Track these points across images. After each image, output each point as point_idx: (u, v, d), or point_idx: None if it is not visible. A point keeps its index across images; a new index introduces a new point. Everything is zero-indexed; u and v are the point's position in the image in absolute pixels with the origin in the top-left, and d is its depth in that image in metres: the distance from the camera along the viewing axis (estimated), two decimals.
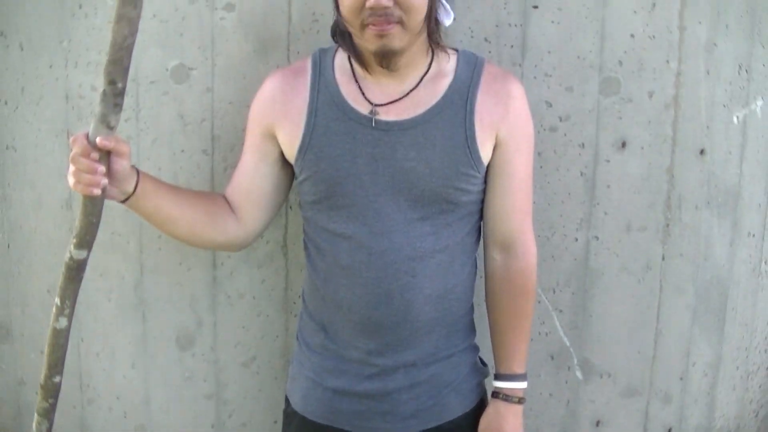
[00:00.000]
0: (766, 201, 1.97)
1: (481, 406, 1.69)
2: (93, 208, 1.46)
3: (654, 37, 1.87)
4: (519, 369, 1.66)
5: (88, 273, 1.88)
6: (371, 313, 1.54)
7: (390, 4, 1.39)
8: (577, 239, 1.93)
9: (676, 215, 1.93)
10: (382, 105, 1.55)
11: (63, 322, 1.50)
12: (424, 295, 1.55)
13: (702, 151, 1.92)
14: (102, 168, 1.42)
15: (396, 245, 1.53)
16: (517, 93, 1.59)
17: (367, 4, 1.40)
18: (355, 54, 1.55)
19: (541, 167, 1.87)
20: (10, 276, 2.03)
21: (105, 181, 1.44)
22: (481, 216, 1.65)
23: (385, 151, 1.52)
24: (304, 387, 1.68)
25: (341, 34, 1.55)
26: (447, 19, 1.57)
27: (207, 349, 2.02)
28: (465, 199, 1.56)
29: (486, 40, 1.85)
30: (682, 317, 1.98)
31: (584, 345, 2.00)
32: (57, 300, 1.50)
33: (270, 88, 1.64)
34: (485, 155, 1.56)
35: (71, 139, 1.43)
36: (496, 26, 1.85)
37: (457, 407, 1.65)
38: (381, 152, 1.52)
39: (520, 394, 1.65)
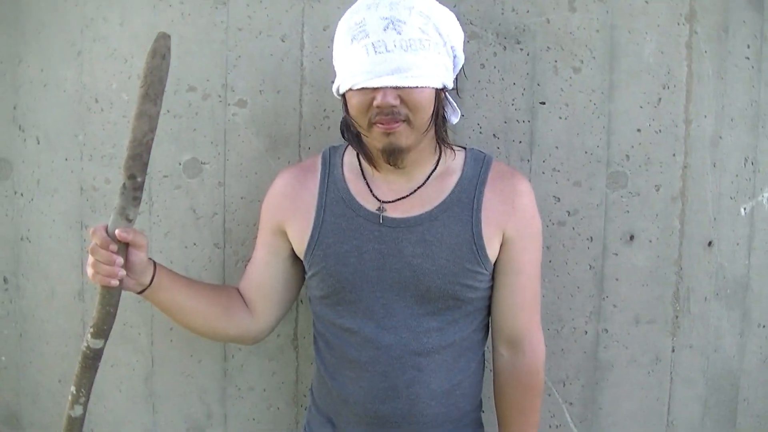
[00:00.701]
0: None
1: None
2: (110, 298, 1.49)
3: (660, 131, 1.91)
4: None
5: (99, 364, 1.92)
6: (378, 408, 1.56)
7: (397, 102, 1.43)
8: (586, 332, 1.95)
9: (684, 307, 1.95)
10: (389, 202, 1.59)
11: (78, 411, 1.51)
12: (430, 390, 1.56)
13: (710, 243, 1.95)
14: (120, 260, 1.46)
15: (402, 340, 1.55)
16: (523, 190, 1.62)
17: (375, 103, 1.44)
18: (363, 151, 1.58)
19: (550, 261, 1.90)
20: (22, 366, 2.06)
21: (123, 272, 1.48)
22: (488, 312, 1.66)
23: (392, 248, 1.55)
24: None
25: (350, 132, 1.59)
26: (454, 117, 1.61)
27: None
28: (472, 296, 1.58)
29: (494, 135, 1.89)
30: (693, 409, 1.99)
31: None
32: (72, 388, 1.51)
33: (280, 185, 1.68)
34: (492, 252, 1.58)
35: (90, 230, 1.47)
36: (505, 122, 1.89)
37: None
38: (388, 249, 1.55)
39: None
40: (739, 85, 1.94)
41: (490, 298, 1.64)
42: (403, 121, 1.46)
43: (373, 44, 1.42)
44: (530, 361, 1.64)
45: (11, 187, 1.99)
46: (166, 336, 1.98)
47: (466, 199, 1.58)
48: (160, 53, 1.44)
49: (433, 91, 1.48)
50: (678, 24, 1.90)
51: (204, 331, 1.70)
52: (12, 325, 2.05)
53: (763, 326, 1.99)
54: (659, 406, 1.98)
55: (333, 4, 1.87)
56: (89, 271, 1.47)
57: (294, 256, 1.69)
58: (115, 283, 1.46)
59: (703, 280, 1.95)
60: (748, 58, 1.95)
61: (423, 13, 1.46)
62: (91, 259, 1.46)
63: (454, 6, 1.86)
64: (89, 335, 1.49)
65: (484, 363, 1.71)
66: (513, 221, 1.58)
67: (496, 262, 1.60)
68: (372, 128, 1.48)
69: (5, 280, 2.03)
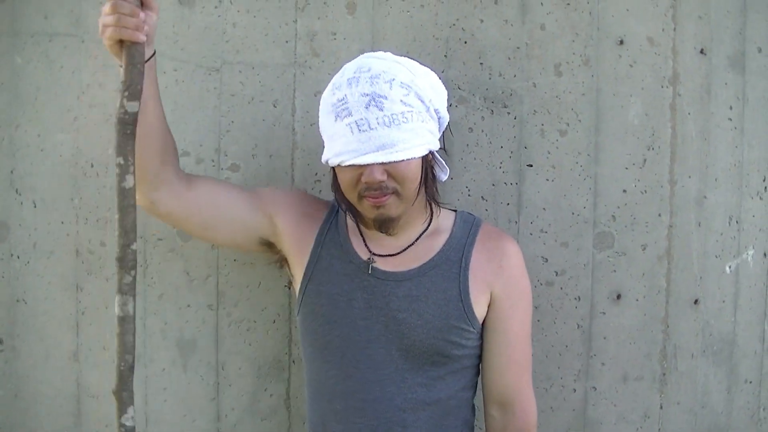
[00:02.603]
0: (761, 348, 2.05)
1: None
2: (138, 56, 1.44)
3: (646, 191, 1.99)
4: None
5: (93, 424, 1.99)
6: None
7: (384, 178, 1.50)
8: (575, 390, 2.01)
9: (672, 364, 2.02)
10: (380, 256, 1.65)
11: (130, 181, 1.44)
12: None
13: (696, 301, 2.02)
14: (142, 13, 1.43)
15: (387, 395, 1.60)
16: (511, 251, 1.68)
17: (362, 179, 1.51)
18: (355, 217, 1.67)
19: (538, 321, 1.97)
20: (16, 426, 2.10)
21: (146, 26, 1.45)
22: (478, 372, 1.70)
23: (379, 300, 1.61)
24: None
25: (342, 198, 1.65)
26: (443, 175, 1.67)
27: None
28: (458, 353, 1.62)
29: (482, 198, 1.97)
30: None
31: None
32: (119, 159, 1.43)
33: (302, 195, 1.78)
34: (479, 311, 1.63)
35: None
36: (493, 185, 1.97)
37: None
38: (376, 300, 1.61)
39: None
40: (723, 145, 2.03)
41: (480, 357, 1.69)
42: (392, 193, 1.53)
43: (356, 122, 1.49)
44: (521, 423, 1.67)
45: (8, 249, 2.06)
46: (160, 396, 2.04)
47: (455, 257, 1.64)
48: None
49: (420, 159, 1.55)
50: (662, 87, 1.99)
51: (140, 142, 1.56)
52: (7, 385, 2.10)
53: (750, 382, 2.05)
54: None
55: (324, 70, 1.96)
56: (111, 31, 1.41)
57: (261, 241, 1.74)
58: (142, 38, 1.42)
59: (689, 337, 2.02)
60: (730, 119, 2.04)
61: (404, 83, 1.51)
62: (111, 17, 1.41)
63: (442, 71, 1.94)
64: (125, 100, 1.41)
65: (473, 423, 1.75)
66: (500, 281, 1.64)
67: (484, 321, 1.65)
68: (362, 201, 1.55)
69: (1, 341, 2.09)
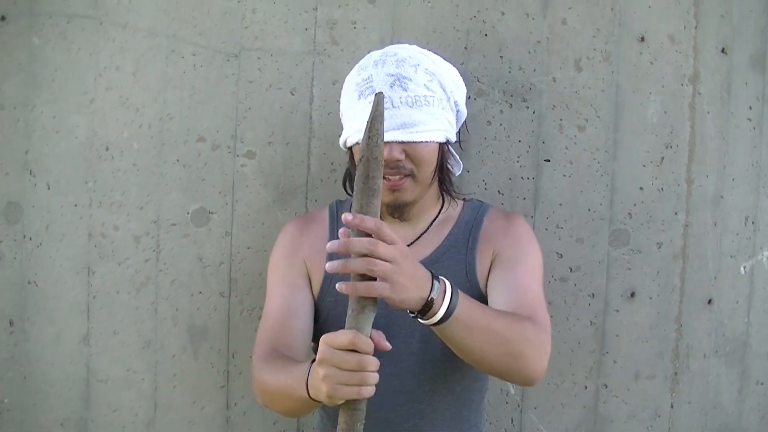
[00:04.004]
0: None
1: None
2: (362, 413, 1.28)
3: (662, 189, 2.00)
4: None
5: (102, 408, 2.01)
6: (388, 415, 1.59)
7: (402, 157, 1.52)
8: (586, 387, 2.03)
9: (684, 364, 2.04)
10: None
11: None
12: None
13: (710, 301, 2.04)
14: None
15: (407, 387, 1.61)
16: (517, 222, 1.67)
17: None
18: None
19: (552, 317, 1.95)
20: (25, 408, 2.13)
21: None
22: None
23: None
24: None
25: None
26: (457, 169, 1.70)
27: None
28: None
29: (499, 192, 1.99)
30: None
31: None
32: None
33: (293, 230, 1.74)
34: (484, 282, 1.62)
35: (358, 339, 1.24)
36: (509, 179, 1.99)
37: None
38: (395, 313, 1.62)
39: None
40: (741, 145, 2.04)
41: None
42: (407, 175, 1.55)
43: None
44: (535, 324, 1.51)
45: (20, 231, 2.08)
46: (170, 382, 2.06)
47: (462, 238, 1.65)
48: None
49: (437, 145, 1.57)
50: (682, 85, 2.00)
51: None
52: (16, 367, 2.13)
53: (762, 383, 2.07)
54: None
55: (342, 59, 1.98)
56: (343, 391, 1.23)
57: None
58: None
59: (702, 337, 2.04)
60: (749, 120, 2.05)
61: (428, 70, 1.56)
62: (340, 372, 1.23)
63: (462, 63, 1.96)
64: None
65: (484, 417, 1.77)
66: (504, 242, 1.62)
67: (487, 281, 1.62)
68: None
69: (11, 323, 2.11)
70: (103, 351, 2.07)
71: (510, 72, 1.97)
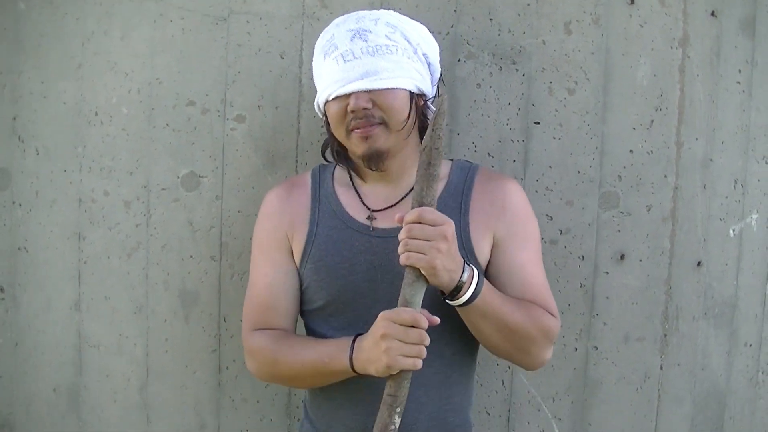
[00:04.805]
0: (762, 311, 2.10)
1: None
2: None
3: (652, 152, 2.02)
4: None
5: (94, 374, 2.04)
6: (367, 420, 1.58)
7: (369, 105, 1.54)
8: (576, 349, 2.06)
9: (673, 326, 2.07)
10: (379, 210, 1.67)
11: None
12: (419, 403, 1.64)
13: (699, 264, 2.06)
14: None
15: None
16: (513, 189, 1.68)
17: (348, 108, 1.56)
18: (349, 164, 1.70)
19: None
20: (16, 375, 2.15)
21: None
22: None
23: (383, 259, 1.62)
24: None
25: (337, 152, 1.71)
26: None
27: None
28: None
29: (489, 154, 2.01)
30: (680, 426, 2.09)
31: None
32: None
33: (274, 200, 1.75)
34: (482, 257, 1.63)
35: (413, 316, 1.43)
36: (499, 141, 2.00)
37: None
38: (379, 260, 1.63)
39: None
40: (730, 109, 2.06)
41: None
42: (379, 123, 1.57)
43: (342, 54, 1.56)
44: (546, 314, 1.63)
45: (9, 197, 2.10)
46: (162, 347, 2.08)
47: (453, 204, 1.65)
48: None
49: (407, 93, 1.58)
50: (671, 48, 2.02)
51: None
52: (7, 334, 2.15)
53: (750, 345, 2.10)
54: (647, 423, 2.09)
55: (332, 22, 1.99)
56: (404, 361, 1.43)
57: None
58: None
59: (691, 299, 2.06)
60: (739, 83, 2.07)
61: (390, 23, 1.60)
62: (402, 345, 1.42)
63: (452, 26, 1.97)
64: (395, 416, 1.44)
65: (474, 379, 1.78)
66: (503, 222, 1.65)
67: (489, 265, 1.65)
68: (350, 135, 1.59)
69: (1, 289, 2.13)
70: (95, 317, 2.10)
71: (499, 35, 1.99)
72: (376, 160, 1.60)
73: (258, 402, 2.10)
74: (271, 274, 1.71)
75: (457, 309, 1.53)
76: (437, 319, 1.45)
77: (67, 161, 2.06)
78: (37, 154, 2.07)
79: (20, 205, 2.09)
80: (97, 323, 2.10)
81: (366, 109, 1.55)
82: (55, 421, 2.16)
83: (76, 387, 2.13)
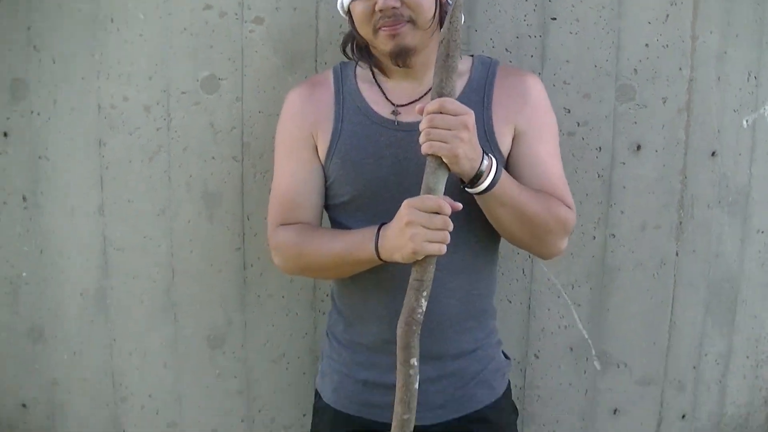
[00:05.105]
0: None
1: (505, 397, 1.85)
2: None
3: (667, 46, 2.05)
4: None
5: (120, 276, 2.09)
6: (398, 307, 1.58)
7: (398, 4, 1.56)
8: (594, 237, 2.12)
9: (688, 214, 2.13)
10: (403, 105, 1.70)
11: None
12: (448, 289, 1.69)
13: (713, 154, 2.11)
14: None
15: None
16: (532, 84, 1.72)
17: (377, 8, 1.57)
18: (373, 61, 1.72)
19: None
20: (43, 281, 2.20)
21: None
22: None
23: (408, 152, 1.65)
24: (335, 381, 1.82)
25: (358, 49, 1.73)
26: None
27: (237, 347, 2.20)
28: None
29: (507, 50, 2.03)
30: (694, 310, 2.18)
31: (602, 337, 2.19)
32: (413, 360, 1.50)
33: (297, 98, 1.78)
34: (504, 148, 1.68)
35: (437, 203, 1.45)
36: (517, 37, 2.03)
37: (483, 398, 1.79)
38: (404, 153, 1.66)
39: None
40: (745, 2, 2.09)
41: None
42: (407, 21, 1.59)
43: None
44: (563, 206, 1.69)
45: (28, 106, 2.11)
46: (186, 247, 2.13)
47: (476, 98, 1.68)
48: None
49: None
50: None
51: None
52: (32, 241, 2.18)
53: (763, 232, 2.17)
54: (663, 308, 2.17)
55: None
56: (430, 247, 1.46)
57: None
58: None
59: (706, 188, 2.12)
60: None
61: None
62: (427, 231, 1.45)
63: None
64: (422, 299, 1.48)
65: (497, 268, 1.84)
66: (524, 114, 1.69)
67: (509, 157, 1.70)
68: (377, 33, 1.61)
69: (24, 198, 2.16)
70: (119, 220, 2.14)
71: None
72: (403, 56, 1.63)
73: (283, 297, 2.16)
74: (295, 171, 1.74)
75: (477, 198, 1.57)
76: (459, 205, 1.48)
77: (85, 69, 2.07)
78: (54, 62, 2.07)
79: (39, 114, 2.10)
80: (122, 227, 2.14)
81: (395, 8, 1.56)
82: (83, 324, 2.21)
83: (103, 290, 2.18)
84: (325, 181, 1.75)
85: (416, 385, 1.47)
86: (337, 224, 1.78)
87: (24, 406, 2.29)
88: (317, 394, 1.89)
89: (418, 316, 1.46)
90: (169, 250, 2.14)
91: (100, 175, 2.12)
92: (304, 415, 2.22)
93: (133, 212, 2.13)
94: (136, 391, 2.25)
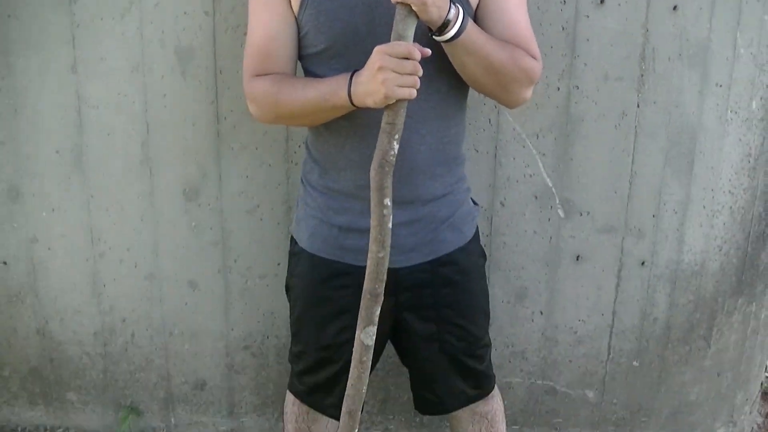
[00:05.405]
0: (733, 54, 2.22)
1: (474, 241, 1.93)
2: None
3: None
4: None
5: (95, 133, 2.13)
6: (371, 154, 1.61)
7: None
8: (559, 89, 2.18)
9: (650, 66, 2.19)
10: None
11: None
12: (419, 135, 1.75)
13: (675, 7, 2.15)
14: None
15: None
16: None
17: None
18: None
19: None
20: (18, 140, 2.24)
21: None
22: None
23: (380, 1, 1.67)
24: (311, 226, 1.89)
25: None
26: None
27: (212, 199, 2.28)
28: None
29: None
30: (655, 160, 2.26)
31: (565, 186, 2.28)
32: (386, 201, 1.55)
33: None
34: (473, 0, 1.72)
35: (406, 48, 1.49)
36: None
37: (453, 241, 1.88)
38: (377, 2, 1.68)
39: None
40: None
41: None
42: None
43: None
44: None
45: None
46: (160, 102, 2.18)
47: None
48: None
49: None
50: None
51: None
52: (5, 101, 2.22)
53: (721, 85, 2.24)
54: (624, 157, 2.25)
55: None
56: (401, 91, 1.49)
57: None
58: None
59: (667, 41, 2.17)
60: None
61: None
62: (398, 76, 1.49)
63: None
64: (394, 141, 1.51)
65: (466, 115, 1.89)
66: None
67: (478, 8, 1.73)
68: None
69: None
70: (92, 77, 2.17)
71: None
72: None
73: (257, 149, 2.23)
74: (269, 22, 1.76)
75: (444, 46, 1.63)
76: (428, 51, 1.52)
77: None
78: None
79: None
80: (95, 84, 2.18)
81: None
82: (60, 181, 2.27)
83: (79, 147, 2.23)
84: (299, 32, 1.78)
85: (390, 225, 1.53)
86: (310, 74, 1.81)
87: (4, 263, 2.37)
88: (293, 240, 1.95)
89: (391, 158, 1.51)
90: (144, 106, 2.19)
91: (72, 33, 2.14)
92: (278, 264, 2.31)
93: (106, 69, 2.16)
94: (114, 245, 2.33)
